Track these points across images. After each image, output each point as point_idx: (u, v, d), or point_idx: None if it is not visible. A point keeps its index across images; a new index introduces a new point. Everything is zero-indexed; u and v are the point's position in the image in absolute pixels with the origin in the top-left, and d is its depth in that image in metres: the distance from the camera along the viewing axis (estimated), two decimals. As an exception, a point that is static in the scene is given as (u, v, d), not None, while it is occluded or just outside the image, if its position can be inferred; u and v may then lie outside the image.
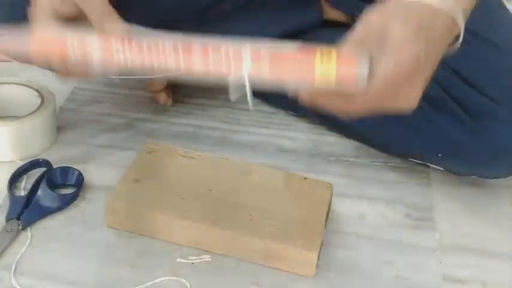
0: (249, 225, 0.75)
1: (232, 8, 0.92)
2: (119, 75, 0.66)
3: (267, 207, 0.77)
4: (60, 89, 1.00)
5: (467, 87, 0.84)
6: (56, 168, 0.85)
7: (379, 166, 0.93)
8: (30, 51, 0.66)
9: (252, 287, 0.73)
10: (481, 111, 0.83)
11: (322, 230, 0.76)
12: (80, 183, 0.84)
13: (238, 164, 0.84)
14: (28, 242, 0.77)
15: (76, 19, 0.70)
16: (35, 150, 0.90)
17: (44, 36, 0.66)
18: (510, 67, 0.84)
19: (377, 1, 0.63)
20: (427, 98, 0.83)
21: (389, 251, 0.79)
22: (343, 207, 0.84)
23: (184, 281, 0.73)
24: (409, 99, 0.63)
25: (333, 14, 0.96)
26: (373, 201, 0.86)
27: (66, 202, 0.81)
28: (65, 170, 0.85)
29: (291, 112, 1.02)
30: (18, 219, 0.79)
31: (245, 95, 0.58)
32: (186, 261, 0.75)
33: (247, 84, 0.55)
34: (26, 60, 0.68)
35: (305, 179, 0.82)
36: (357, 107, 0.62)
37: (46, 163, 0.86)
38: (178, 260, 0.75)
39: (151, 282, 0.72)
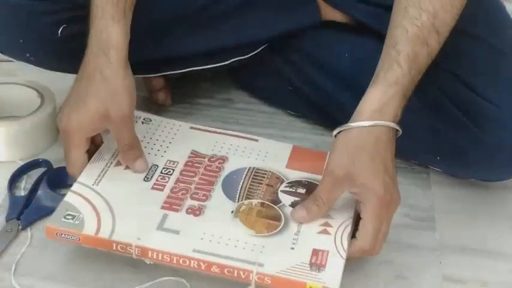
0: None
1: (228, 8, 0.92)
2: None
3: None
4: (60, 89, 1.00)
5: (467, 90, 0.83)
6: (56, 168, 0.85)
7: (379, 166, 0.92)
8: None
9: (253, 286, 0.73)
10: (482, 115, 0.83)
11: None
12: (80, 183, 0.84)
13: None
14: (28, 242, 0.77)
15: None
16: (35, 150, 0.90)
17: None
18: (511, 70, 0.84)
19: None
20: (427, 102, 0.84)
21: (389, 251, 0.79)
22: (343, 207, 0.84)
23: (184, 281, 0.73)
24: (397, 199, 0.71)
25: (332, 14, 0.96)
26: (373, 201, 0.86)
27: (66, 202, 0.81)
28: (65, 170, 0.85)
29: (291, 112, 1.02)
30: (18, 219, 0.79)
31: None
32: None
33: None
34: None
35: None
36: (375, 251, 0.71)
37: (46, 163, 0.86)
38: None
39: (151, 282, 0.72)
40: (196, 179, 0.78)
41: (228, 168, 0.79)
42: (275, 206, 0.75)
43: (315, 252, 0.69)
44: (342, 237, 0.71)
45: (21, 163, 0.87)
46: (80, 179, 0.76)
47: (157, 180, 0.77)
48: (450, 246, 0.81)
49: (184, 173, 0.79)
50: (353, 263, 0.73)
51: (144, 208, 0.73)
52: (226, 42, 0.94)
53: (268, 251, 0.69)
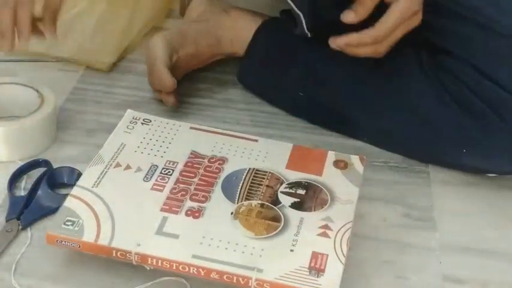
0: None
1: None
2: None
3: None
4: (60, 89, 1.00)
5: (489, 83, 0.84)
6: (56, 168, 0.85)
7: (379, 166, 0.93)
8: None
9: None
10: (505, 107, 0.83)
11: None
12: (80, 183, 0.84)
13: None
14: (28, 242, 0.77)
15: None
16: (35, 150, 0.90)
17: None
18: None
19: None
20: (453, 96, 0.85)
21: (389, 251, 0.79)
22: (343, 207, 0.84)
23: (184, 281, 0.73)
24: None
25: None
26: (373, 201, 0.86)
27: (66, 202, 0.81)
28: (65, 170, 0.85)
29: (291, 112, 1.02)
30: (18, 219, 0.79)
31: None
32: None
33: None
34: None
35: None
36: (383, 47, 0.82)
37: (46, 163, 0.86)
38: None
39: (151, 282, 0.72)
40: (195, 179, 0.78)
41: (228, 169, 0.80)
42: (275, 207, 0.75)
43: (315, 255, 0.69)
44: (341, 241, 0.71)
45: (21, 163, 0.87)
46: (80, 182, 0.76)
47: (156, 180, 0.77)
48: (450, 246, 0.81)
49: (184, 173, 0.79)
50: (353, 263, 0.73)
51: (143, 210, 0.73)
52: None
53: (268, 254, 0.69)
